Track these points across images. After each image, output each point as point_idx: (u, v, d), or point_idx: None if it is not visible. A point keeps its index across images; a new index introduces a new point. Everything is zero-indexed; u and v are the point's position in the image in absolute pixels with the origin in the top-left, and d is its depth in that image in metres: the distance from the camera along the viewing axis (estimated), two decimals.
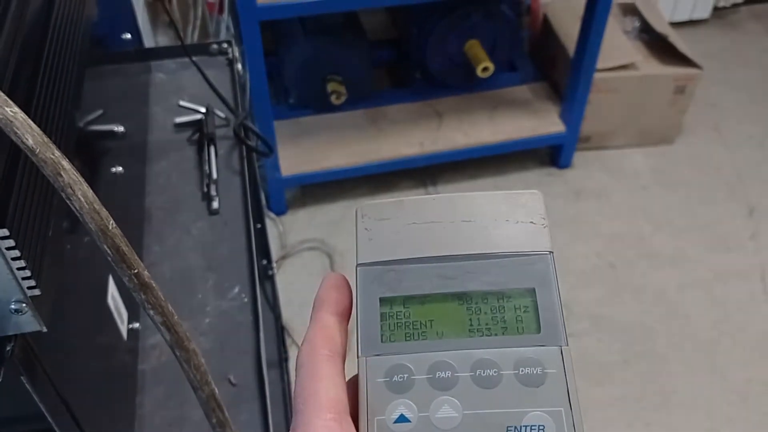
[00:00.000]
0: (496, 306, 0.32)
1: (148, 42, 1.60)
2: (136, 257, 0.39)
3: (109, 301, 0.68)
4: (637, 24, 2.21)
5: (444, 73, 2.09)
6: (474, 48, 1.97)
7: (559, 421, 0.30)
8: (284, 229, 1.98)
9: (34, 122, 0.36)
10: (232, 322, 0.83)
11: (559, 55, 2.15)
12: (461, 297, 0.32)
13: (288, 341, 1.51)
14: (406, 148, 2.00)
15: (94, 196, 0.38)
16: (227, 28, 2.04)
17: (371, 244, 0.34)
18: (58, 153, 0.37)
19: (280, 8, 1.60)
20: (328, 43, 1.92)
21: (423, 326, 0.32)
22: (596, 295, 1.85)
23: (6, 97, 0.36)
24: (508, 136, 2.04)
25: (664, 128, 2.25)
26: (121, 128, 0.81)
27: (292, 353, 1.47)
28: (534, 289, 0.32)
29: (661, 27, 2.14)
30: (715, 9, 2.77)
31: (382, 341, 0.32)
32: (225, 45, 1.20)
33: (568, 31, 2.12)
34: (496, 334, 0.32)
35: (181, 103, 1.09)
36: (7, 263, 0.40)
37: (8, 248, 0.40)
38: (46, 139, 0.36)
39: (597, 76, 1.99)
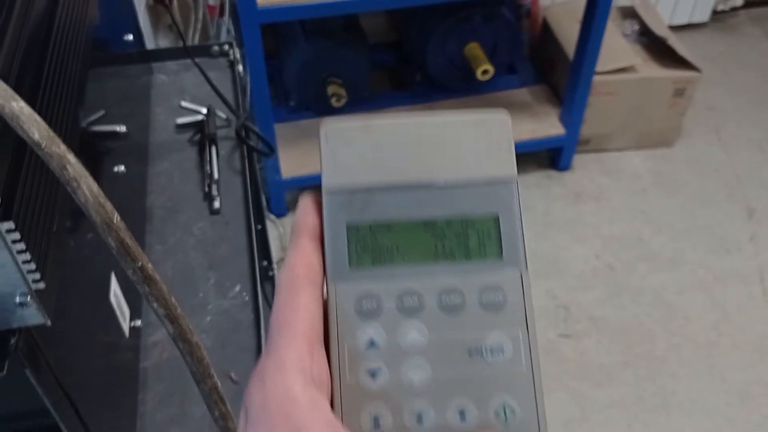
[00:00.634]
0: (461, 232, 0.33)
1: (150, 44, 1.61)
2: (140, 250, 0.40)
3: (112, 298, 0.69)
4: (636, 27, 2.22)
5: (444, 76, 2.10)
6: (474, 50, 1.98)
7: (517, 342, 0.32)
8: (284, 231, 1.99)
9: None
10: (233, 321, 0.84)
11: (559, 58, 2.16)
12: (427, 223, 0.33)
13: None
14: None
15: (99, 189, 0.38)
16: (228, 31, 2.04)
17: (337, 168, 0.33)
18: (63, 147, 0.37)
19: (280, 11, 1.61)
20: (328, 46, 1.92)
21: (390, 252, 0.33)
22: (596, 297, 1.86)
23: (12, 92, 0.37)
24: None
25: (664, 131, 2.26)
26: (123, 128, 0.82)
27: None
28: (497, 216, 0.33)
29: (661, 30, 2.15)
30: (714, 12, 2.78)
31: (350, 266, 0.32)
32: (226, 46, 1.20)
33: (568, 34, 2.13)
34: (460, 260, 0.33)
35: (183, 104, 1.09)
36: (13, 256, 0.41)
37: (14, 241, 0.41)
38: (51, 133, 0.37)
39: (596, 78, 2.00)
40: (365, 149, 0.33)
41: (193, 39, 2.03)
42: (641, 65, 2.11)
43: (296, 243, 0.33)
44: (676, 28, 2.60)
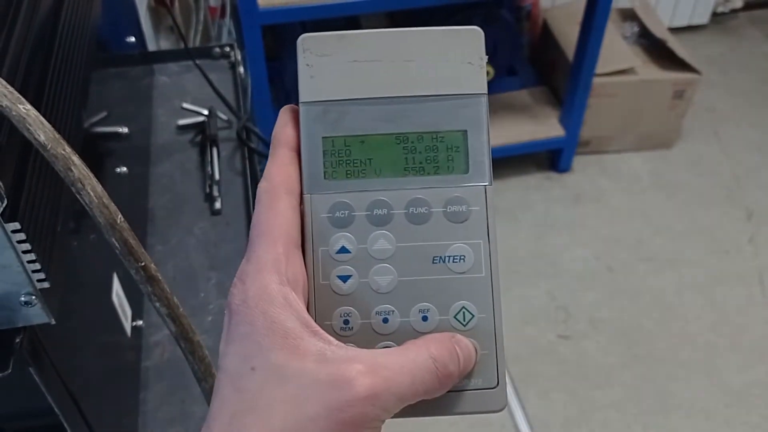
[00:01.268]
0: (430, 146, 0.35)
1: (151, 46, 1.61)
2: (143, 250, 0.41)
3: (114, 298, 0.70)
4: (636, 29, 2.22)
5: None
6: None
7: (478, 251, 0.34)
8: None
9: None
10: None
11: (559, 59, 2.16)
12: (398, 137, 0.35)
13: None
14: None
15: (103, 190, 0.39)
16: (229, 32, 2.05)
17: (313, 81, 0.35)
18: (68, 149, 0.38)
19: (281, 12, 1.62)
20: None
21: (363, 165, 0.34)
22: (595, 298, 1.87)
23: (19, 95, 0.37)
24: (507, 141, 2.05)
25: (663, 133, 2.27)
26: (125, 130, 0.82)
27: None
28: (466, 131, 0.35)
29: (660, 32, 2.16)
30: (714, 14, 2.78)
31: (324, 178, 0.34)
32: (227, 48, 1.21)
33: (568, 36, 2.14)
34: (429, 173, 0.34)
35: (184, 105, 1.10)
36: (18, 256, 0.42)
37: (19, 241, 0.41)
38: (57, 135, 0.38)
39: (596, 80, 2.00)
40: (341, 62, 0.35)
41: (195, 40, 2.04)
42: (641, 67, 2.11)
43: (274, 154, 0.35)
44: (675, 30, 2.60)
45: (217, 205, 0.97)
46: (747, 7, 2.84)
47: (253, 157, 1.04)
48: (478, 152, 0.34)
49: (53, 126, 0.38)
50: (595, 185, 2.18)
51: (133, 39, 1.03)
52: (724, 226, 2.06)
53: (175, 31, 1.85)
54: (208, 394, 0.47)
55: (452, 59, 0.35)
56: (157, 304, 0.42)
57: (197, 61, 1.12)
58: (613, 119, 2.18)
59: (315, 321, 0.31)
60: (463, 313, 0.34)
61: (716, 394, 1.66)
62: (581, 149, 2.22)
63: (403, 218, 0.34)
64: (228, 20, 2.04)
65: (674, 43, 2.13)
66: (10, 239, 0.41)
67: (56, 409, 0.50)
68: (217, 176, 1.00)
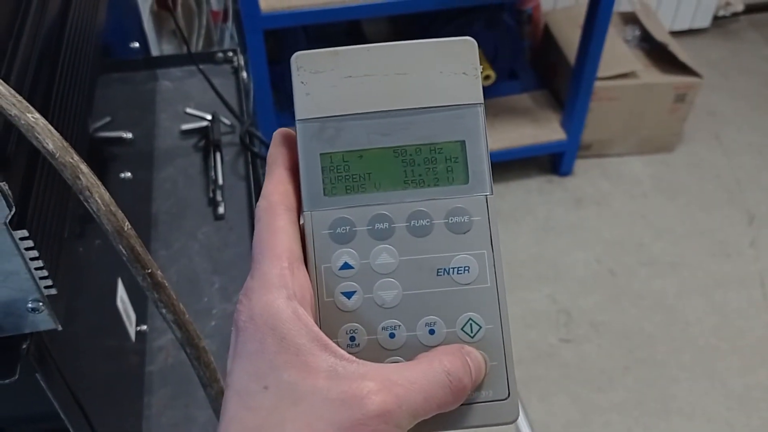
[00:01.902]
0: (429, 158, 0.35)
1: (154, 51, 1.62)
2: (150, 257, 0.41)
3: (119, 303, 0.70)
4: (637, 33, 2.23)
5: None
6: None
7: (482, 261, 0.34)
8: None
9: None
10: None
11: (560, 63, 2.17)
12: (396, 150, 0.35)
13: None
14: None
15: (111, 198, 0.39)
16: (231, 37, 2.05)
17: (308, 99, 0.35)
18: (76, 157, 0.38)
19: (283, 17, 1.63)
20: None
21: (362, 179, 0.34)
22: (596, 302, 1.87)
23: (27, 104, 0.38)
24: (509, 144, 2.06)
25: (665, 136, 2.27)
26: (129, 135, 0.83)
27: None
28: (464, 141, 0.35)
29: (662, 36, 2.16)
30: (715, 18, 2.79)
31: (324, 195, 0.34)
32: (230, 53, 1.21)
33: (569, 39, 2.14)
34: (428, 185, 0.35)
35: (188, 110, 1.10)
36: (26, 263, 0.42)
37: (27, 249, 0.41)
38: (65, 143, 0.38)
39: (597, 84, 2.01)
40: (335, 78, 0.35)
41: (197, 44, 2.04)
42: (642, 71, 2.12)
43: (270, 173, 0.35)
44: (677, 34, 2.61)
45: (221, 209, 0.97)
46: (748, 10, 2.84)
47: (256, 161, 1.04)
48: (477, 162, 0.35)
49: (60, 132, 0.39)
50: (596, 189, 2.18)
51: (136, 44, 1.04)
52: (726, 230, 2.07)
53: (177, 36, 1.86)
54: (213, 400, 0.47)
55: (447, 71, 0.35)
56: (164, 311, 0.43)
57: (200, 66, 1.13)
58: (614, 123, 2.18)
59: None
60: (470, 324, 0.34)
61: (718, 397, 1.66)
62: (583, 153, 2.22)
63: (405, 231, 0.34)
64: (230, 24, 2.04)
65: (675, 47, 2.13)
66: (17, 246, 0.41)
67: (62, 414, 0.50)
68: (220, 181, 1.00)
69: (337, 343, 0.33)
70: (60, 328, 0.46)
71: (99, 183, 0.39)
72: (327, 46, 0.36)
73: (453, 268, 0.34)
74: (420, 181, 0.34)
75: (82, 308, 0.58)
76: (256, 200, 1.05)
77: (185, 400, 0.78)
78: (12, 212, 0.39)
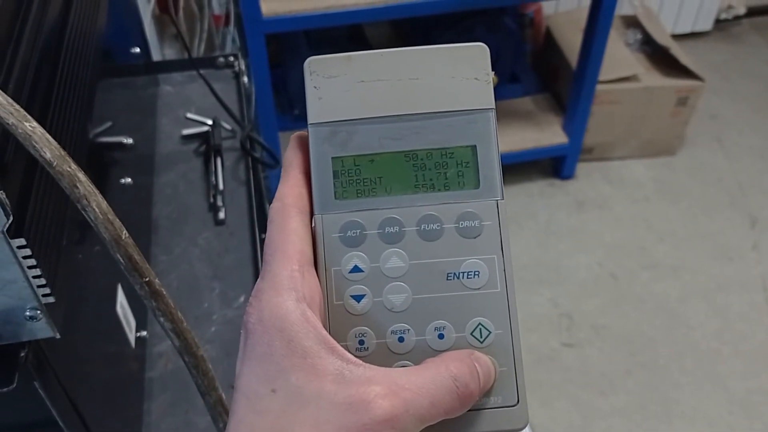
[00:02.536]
0: (440, 162, 0.35)
1: (155, 54, 1.62)
2: (148, 266, 0.41)
3: (118, 309, 0.70)
4: (639, 36, 2.23)
5: None
6: None
7: (492, 266, 0.34)
8: None
9: (50, 135, 0.38)
10: (238, 331, 0.84)
11: (562, 67, 2.17)
12: (408, 154, 0.35)
13: None
14: None
15: (108, 206, 0.39)
16: (233, 40, 2.06)
17: (321, 103, 0.35)
18: (74, 166, 0.38)
19: (285, 21, 1.63)
20: None
21: (373, 183, 0.34)
22: (598, 305, 1.86)
23: (25, 113, 0.38)
24: (511, 148, 2.06)
25: (666, 139, 2.27)
26: (129, 140, 0.83)
27: None
28: (475, 146, 0.35)
29: (663, 39, 2.16)
30: (717, 21, 2.78)
31: (335, 198, 0.34)
32: (231, 58, 1.21)
33: (571, 43, 2.14)
34: (439, 190, 0.34)
35: (188, 115, 1.10)
36: (24, 271, 0.42)
37: (25, 257, 0.41)
38: (63, 152, 0.38)
39: (599, 87, 2.01)
40: (347, 83, 0.35)
41: (199, 48, 2.04)
42: (644, 74, 2.12)
43: (285, 175, 0.35)
44: (678, 37, 2.61)
45: (221, 215, 0.97)
46: (750, 13, 2.84)
47: (257, 166, 1.04)
48: (488, 167, 0.35)
49: (59, 139, 0.39)
50: (598, 192, 2.18)
51: (137, 49, 1.04)
52: (728, 233, 2.06)
53: (179, 40, 1.86)
54: (212, 408, 0.47)
55: (458, 76, 0.35)
56: (162, 319, 0.42)
57: (201, 71, 1.13)
58: (616, 126, 2.18)
59: None
60: (480, 329, 0.34)
61: (720, 401, 1.66)
62: (584, 156, 2.22)
63: (416, 235, 0.34)
64: (232, 28, 2.04)
65: (677, 50, 2.13)
66: (15, 255, 0.41)
67: (60, 423, 0.50)
68: (221, 186, 1.00)
69: (346, 347, 0.33)
70: (58, 336, 0.46)
71: (96, 191, 0.39)
72: (329, 50, 0.36)
73: (463, 273, 0.34)
74: (431, 185, 0.34)
75: (81, 315, 0.57)
76: (257, 205, 1.04)
77: (185, 406, 0.78)
78: (9, 221, 0.39)
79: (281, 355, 0.30)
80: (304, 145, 0.36)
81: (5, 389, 0.44)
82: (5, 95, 0.38)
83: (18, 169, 0.44)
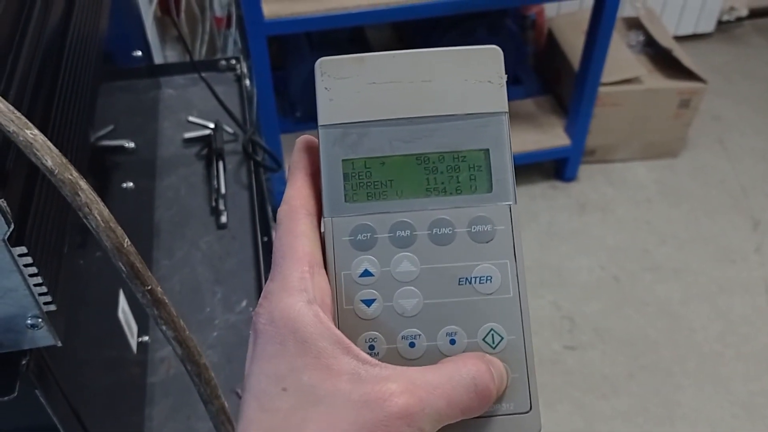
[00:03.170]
0: (452, 166, 0.34)
1: (157, 57, 1.62)
2: (150, 274, 0.40)
3: (120, 314, 0.69)
4: (641, 38, 2.22)
5: None
6: None
7: (504, 271, 0.34)
8: None
9: (51, 141, 0.38)
10: (240, 335, 0.84)
11: (564, 69, 2.16)
12: (419, 157, 0.34)
13: None
14: None
15: (110, 214, 0.39)
16: (235, 43, 2.06)
17: (332, 104, 0.34)
18: (75, 173, 0.38)
19: (287, 23, 1.62)
20: None
21: (384, 186, 0.34)
22: (600, 308, 1.86)
23: (26, 120, 0.37)
24: (513, 150, 2.05)
25: (669, 141, 2.26)
26: (131, 144, 0.82)
27: None
28: (488, 150, 0.34)
29: (666, 41, 2.16)
30: (719, 23, 2.78)
31: (345, 201, 0.34)
32: (233, 61, 1.21)
33: (573, 45, 2.14)
34: (451, 194, 0.34)
35: (190, 118, 1.10)
36: (25, 280, 0.42)
37: (26, 265, 0.41)
38: (64, 160, 0.38)
39: (601, 89, 2.00)
40: (359, 84, 0.34)
41: (201, 50, 2.04)
42: (646, 76, 2.11)
43: (292, 178, 0.35)
44: (681, 39, 2.61)
45: (223, 218, 0.97)
46: (752, 15, 2.84)
47: (259, 170, 1.04)
48: (500, 171, 0.34)
49: (60, 145, 0.38)
50: (600, 194, 2.18)
51: (139, 53, 1.04)
52: (730, 236, 2.06)
53: (180, 43, 1.86)
54: (214, 417, 0.47)
55: (471, 78, 0.34)
56: (164, 327, 0.42)
57: (203, 74, 1.12)
58: (618, 128, 2.18)
59: None
60: (492, 335, 0.33)
61: (722, 403, 1.66)
62: (586, 158, 2.22)
63: (427, 239, 0.33)
64: (234, 31, 2.04)
65: (679, 52, 2.13)
66: (16, 263, 0.41)
67: (61, 430, 0.50)
68: (223, 190, 1.00)
69: None
70: (60, 344, 0.45)
71: (98, 199, 0.38)
72: (330, 53, 0.36)
73: (475, 278, 0.33)
74: (442, 189, 0.34)
75: (82, 321, 0.57)
76: (259, 209, 1.03)
77: (187, 411, 0.78)
78: (10, 229, 0.39)
79: (293, 355, 0.29)
80: (310, 148, 0.35)
81: (7, 398, 0.43)
82: (6, 102, 0.37)
83: (19, 177, 0.43)
